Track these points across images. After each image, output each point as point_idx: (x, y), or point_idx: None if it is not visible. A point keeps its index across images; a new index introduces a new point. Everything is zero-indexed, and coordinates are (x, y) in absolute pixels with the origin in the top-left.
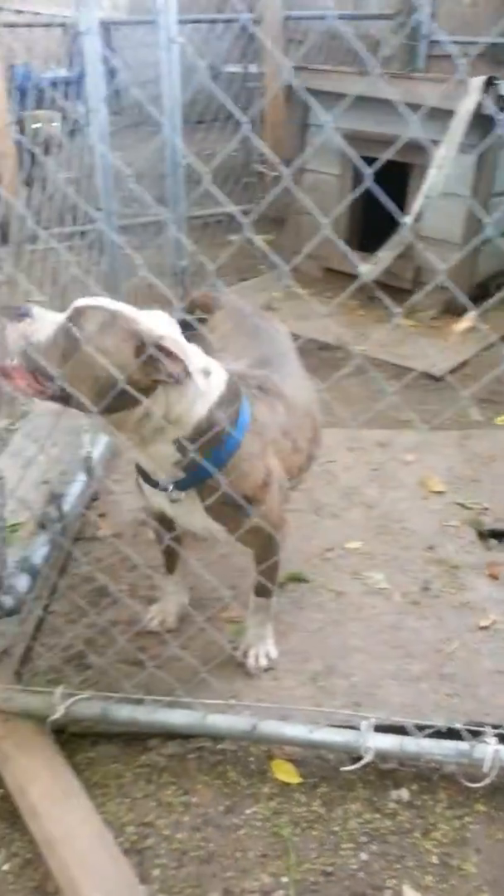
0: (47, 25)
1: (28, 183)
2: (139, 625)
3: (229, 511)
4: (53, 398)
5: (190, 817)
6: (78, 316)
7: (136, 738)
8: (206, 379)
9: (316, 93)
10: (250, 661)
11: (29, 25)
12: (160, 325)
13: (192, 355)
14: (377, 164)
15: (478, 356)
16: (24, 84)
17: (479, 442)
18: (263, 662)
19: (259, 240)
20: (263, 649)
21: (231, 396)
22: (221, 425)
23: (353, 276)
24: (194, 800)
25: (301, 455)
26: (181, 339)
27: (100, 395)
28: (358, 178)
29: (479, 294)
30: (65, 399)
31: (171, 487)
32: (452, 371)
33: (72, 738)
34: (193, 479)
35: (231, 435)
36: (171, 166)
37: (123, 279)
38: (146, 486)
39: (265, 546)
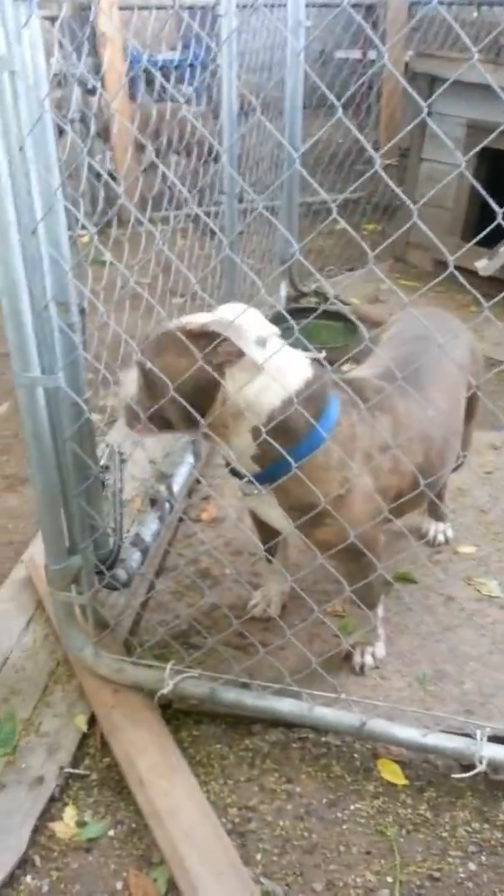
0: (160, 8)
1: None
2: (242, 610)
3: (304, 516)
4: (165, 429)
5: (293, 806)
6: (143, 356)
7: (239, 722)
8: (279, 367)
9: (438, 80)
10: (356, 658)
11: (142, 8)
12: (221, 316)
13: (248, 335)
14: None
15: None
16: (134, 67)
17: None
18: (370, 660)
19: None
20: (370, 648)
21: (312, 395)
22: (296, 423)
23: (467, 271)
24: (298, 789)
25: (403, 478)
26: (238, 322)
27: (187, 411)
28: (479, 168)
29: None
30: (170, 426)
31: (246, 480)
32: None
33: (176, 715)
34: (267, 475)
35: (309, 436)
36: (289, 153)
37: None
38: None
39: (350, 563)
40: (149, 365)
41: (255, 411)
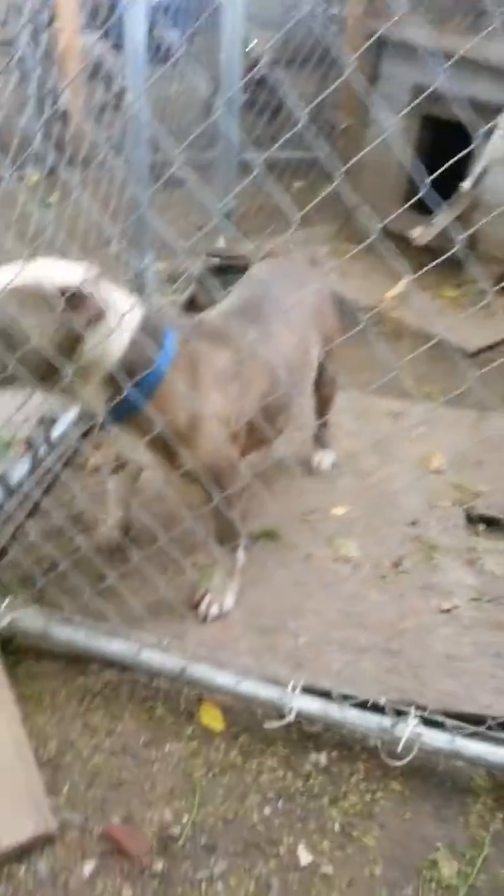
0: None
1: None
2: (109, 554)
3: (164, 446)
4: (4, 385)
5: (110, 743)
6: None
7: (78, 660)
8: (118, 311)
9: (389, 41)
10: (202, 608)
11: None
12: (69, 274)
13: (105, 290)
14: None
15: None
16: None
17: (493, 425)
18: (214, 611)
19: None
20: (219, 599)
21: (149, 331)
22: (138, 360)
23: (407, 241)
24: (119, 727)
25: (247, 404)
26: (86, 276)
27: (45, 368)
28: (424, 133)
29: None
30: (12, 382)
31: (106, 424)
32: (488, 348)
33: (18, 650)
34: (118, 414)
35: (152, 371)
36: (226, 102)
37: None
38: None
39: (210, 487)
40: (7, 321)
41: (108, 360)
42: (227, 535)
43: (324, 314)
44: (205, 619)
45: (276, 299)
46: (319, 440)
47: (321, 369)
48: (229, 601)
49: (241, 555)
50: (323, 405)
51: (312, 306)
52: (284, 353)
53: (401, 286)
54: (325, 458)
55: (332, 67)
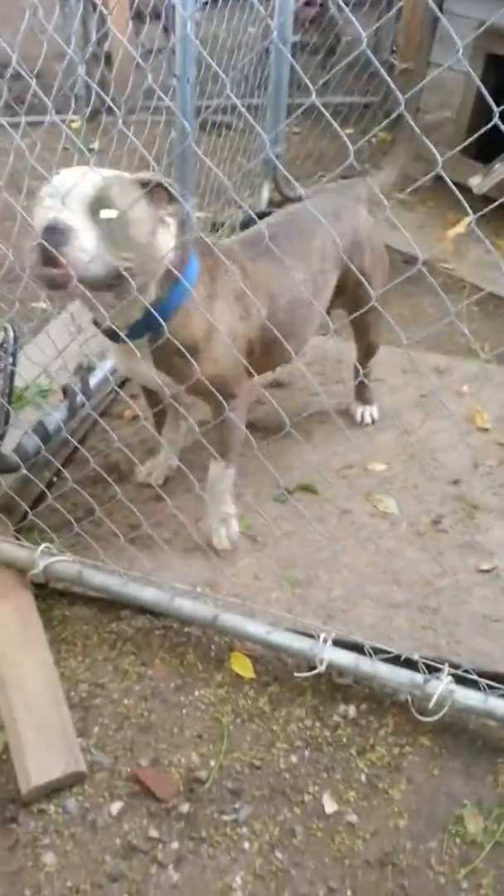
0: None
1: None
2: (142, 504)
3: (176, 362)
4: (98, 290)
5: (140, 687)
6: (93, 204)
7: (111, 606)
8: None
9: None
10: (215, 540)
11: None
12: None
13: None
14: None
15: None
16: None
17: None
18: (226, 544)
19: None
20: (224, 530)
21: (181, 251)
22: (179, 264)
23: (466, 189)
24: (149, 672)
25: (251, 325)
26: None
27: (132, 264)
28: (489, 76)
29: None
30: (106, 287)
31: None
32: None
33: (52, 595)
34: (146, 326)
35: (180, 283)
36: (276, 45)
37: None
38: (112, 346)
39: (216, 401)
40: (113, 212)
41: (161, 260)
42: (226, 450)
43: (359, 249)
44: (217, 552)
45: (298, 230)
46: (360, 395)
47: (360, 317)
48: (235, 528)
49: (231, 473)
50: (363, 355)
51: (344, 239)
52: (294, 285)
53: (462, 226)
54: (367, 413)
55: (391, 7)
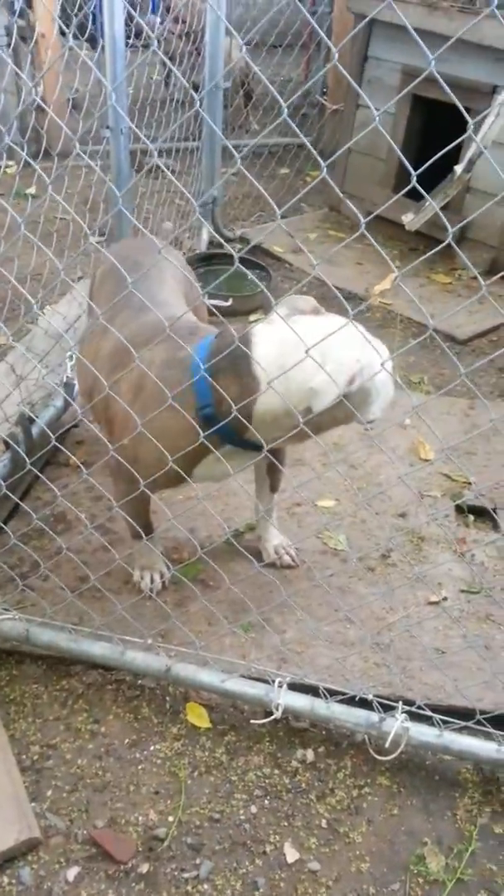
0: None
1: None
2: (89, 554)
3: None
4: None
5: (94, 745)
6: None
7: (61, 662)
8: None
9: (378, 23)
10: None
11: None
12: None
13: None
14: None
15: None
16: None
17: (484, 414)
18: (147, 584)
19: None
20: (148, 579)
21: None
22: None
23: (398, 225)
24: (103, 729)
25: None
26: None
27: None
28: (414, 118)
29: None
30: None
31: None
32: (479, 336)
33: None
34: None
35: None
36: (208, 90)
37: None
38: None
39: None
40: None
41: None
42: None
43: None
44: (151, 591)
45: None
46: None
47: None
48: (148, 577)
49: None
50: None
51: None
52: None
53: (388, 282)
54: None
55: (319, 50)
